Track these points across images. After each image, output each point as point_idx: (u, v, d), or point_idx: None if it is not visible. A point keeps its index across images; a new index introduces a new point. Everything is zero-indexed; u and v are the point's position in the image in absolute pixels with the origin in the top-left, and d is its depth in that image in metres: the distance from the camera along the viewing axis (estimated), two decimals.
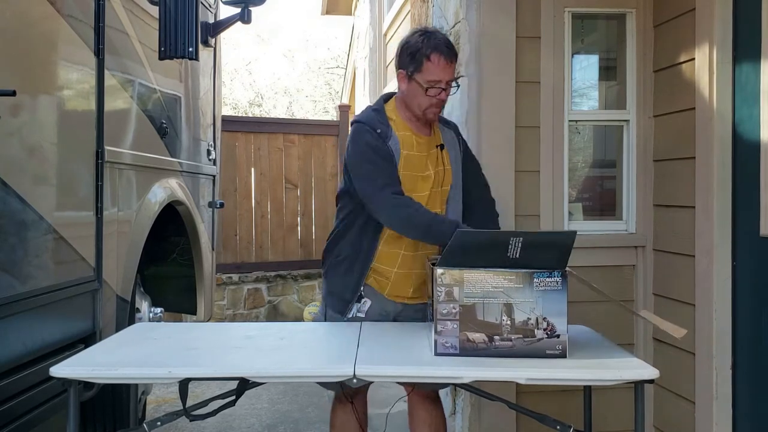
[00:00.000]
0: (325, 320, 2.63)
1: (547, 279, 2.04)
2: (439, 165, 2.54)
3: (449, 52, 2.44)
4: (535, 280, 2.04)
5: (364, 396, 2.67)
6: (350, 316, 2.55)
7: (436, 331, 2.06)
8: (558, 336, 2.04)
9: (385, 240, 2.51)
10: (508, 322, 2.04)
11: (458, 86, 2.53)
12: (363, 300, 2.54)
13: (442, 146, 2.56)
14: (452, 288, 2.05)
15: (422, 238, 2.45)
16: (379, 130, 2.47)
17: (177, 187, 3.63)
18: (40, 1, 2.39)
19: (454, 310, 2.05)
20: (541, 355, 2.03)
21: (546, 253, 2.05)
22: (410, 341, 2.30)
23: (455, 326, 2.05)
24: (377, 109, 2.56)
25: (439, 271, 2.06)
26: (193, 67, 3.95)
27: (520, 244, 2.03)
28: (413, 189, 2.47)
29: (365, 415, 2.69)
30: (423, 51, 2.42)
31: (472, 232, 2.20)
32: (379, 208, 2.42)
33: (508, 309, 2.04)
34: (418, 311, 2.56)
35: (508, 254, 2.04)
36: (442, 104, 2.51)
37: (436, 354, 2.06)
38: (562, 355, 2.04)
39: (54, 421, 2.54)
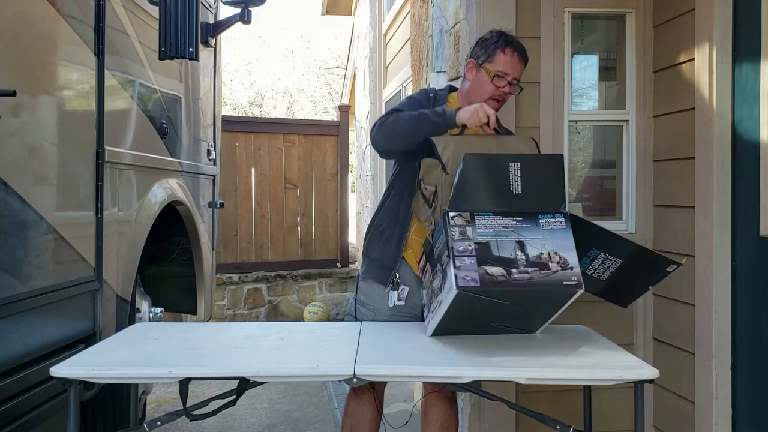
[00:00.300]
0: (360, 303, 2.61)
1: (551, 219, 2.15)
2: None
3: (523, 51, 2.57)
4: (540, 220, 2.14)
5: (383, 384, 2.65)
6: (391, 305, 2.53)
7: (455, 267, 2.08)
8: (572, 268, 2.10)
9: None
10: (523, 257, 2.10)
11: (521, 89, 2.58)
12: (401, 287, 2.53)
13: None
14: (465, 228, 2.12)
15: (407, 134, 2.43)
16: (432, 95, 2.60)
17: (177, 187, 3.63)
18: (40, 1, 2.39)
19: (470, 247, 2.10)
20: (558, 286, 2.08)
21: (543, 184, 2.17)
22: (410, 341, 2.30)
23: (473, 261, 2.09)
24: (441, 92, 2.65)
25: (451, 213, 2.14)
26: (193, 67, 3.95)
27: (519, 172, 2.15)
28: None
29: (382, 403, 2.66)
30: (498, 44, 2.54)
31: (476, 155, 2.22)
32: (374, 123, 2.52)
33: (521, 245, 2.11)
34: None
35: (511, 188, 2.15)
36: (503, 100, 2.56)
37: (458, 287, 2.04)
38: (579, 286, 2.08)
39: (54, 421, 2.54)
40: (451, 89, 2.70)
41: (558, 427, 2.12)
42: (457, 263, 2.08)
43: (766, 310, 2.52)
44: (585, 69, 3.42)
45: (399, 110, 2.54)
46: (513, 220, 2.14)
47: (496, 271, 2.07)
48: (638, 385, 1.97)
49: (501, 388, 2.71)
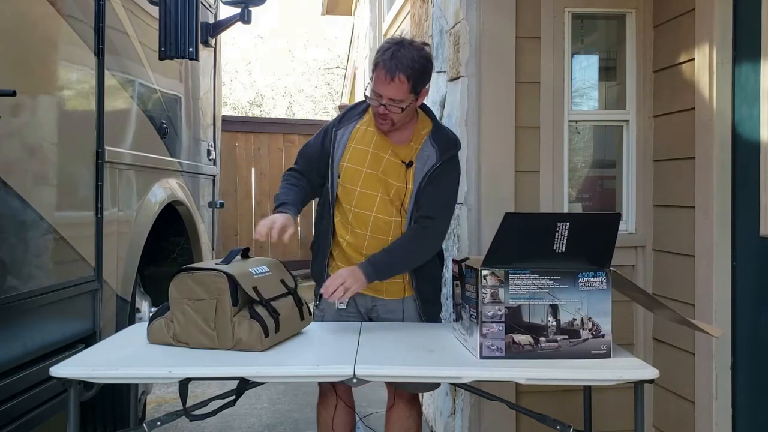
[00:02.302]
0: (315, 306, 2.66)
1: (592, 279, 2.04)
2: (401, 181, 2.48)
3: (394, 69, 2.33)
4: (579, 280, 2.03)
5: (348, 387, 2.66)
6: (335, 308, 2.55)
7: (481, 334, 2.02)
8: (603, 336, 2.04)
9: (338, 222, 2.57)
10: (554, 323, 2.03)
11: (402, 110, 2.39)
12: None
13: (410, 163, 2.47)
14: (497, 289, 2.02)
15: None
16: (342, 117, 2.59)
17: (177, 187, 3.63)
18: (40, 1, 2.39)
19: (499, 312, 2.02)
20: (585, 355, 2.03)
21: (591, 242, 2.03)
22: (410, 341, 2.29)
23: (501, 328, 2.02)
24: (354, 110, 2.63)
25: (484, 271, 2.03)
26: (193, 67, 3.95)
27: (566, 232, 2.01)
28: (353, 182, 2.51)
29: (352, 404, 2.68)
30: (376, 59, 2.40)
31: (521, 214, 2.18)
32: None
33: (554, 310, 2.03)
34: (390, 312, 2.57)
35: (554, 248, 2.02)
36: (387, 120, 2.42)
37: (482, 357, 2.02)
38: (607, 355, 2.03)
39: (54, 421, 2.54)
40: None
41: (558, 427, 2.12)
42: (485, 330, 2.02)
43: (766, 310, 2.52)
44: (585, 69, 3.42)
45: (292, 169, 2.67)
46: (550, 280, 2.02)
47: (524, 339, 2.02)
48: (638, 385, 1.97)
49: (501, 388, 2.71)
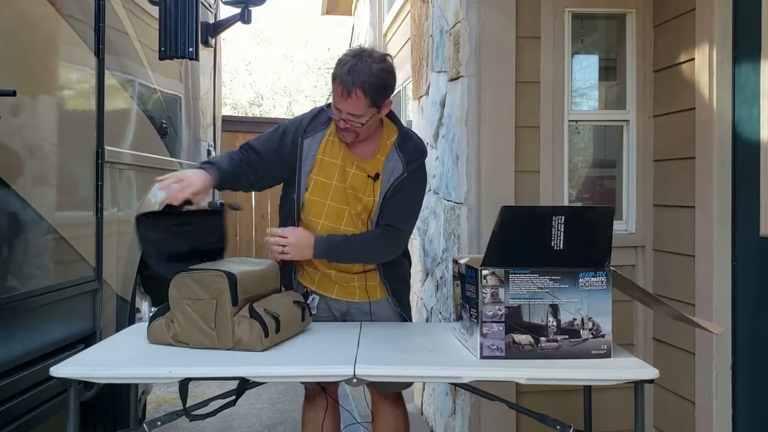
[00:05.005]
0: None
1: (592, 279, 2.03)
2: (369, 195, 2.45)
3: (350, 85, 2.28)
4: (580, 280, 2.03)
5: (335, 385, 2.66)
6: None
7: (481, 334, 2.02)
8: (603, 336, 2.03)
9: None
10: (554, 323, 2.03)
11: (363, 124, 2.35)
12: (311, 296, 2.56)
13: (377, 176, 2.44)
14: (497, 289, 2.02)
15: None
16: (307, 125, 2.48)
17: None
18: (40, 1, 2.39)
19: (499, 312, 2.02)
20: (585, 355, 2.03)
21: (588, 237, 2.04)
22: (410, 341, 2.30)
23: (501, 328, 2.02)
24: (318, 119, 2.53)
25: (484, 271, 2.03)
26: (193, 67, 3.96)
27: (562, 226, 2.00)
28: (324, 195, 2.46)
29: (337, 404, 2.68)
30: (333, 73, 2.34)
31: (517, 207, 2.17)
32: None
33: (554, 310, 2.03)
34: (364, 314, 2.58)
35: (552, 245, 2.02)
36: (350, 132, 2.38)
37: (482, 357, 2.02)
38: (607, 355, 2.03)
39: (54, 421, 2.54)
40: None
41: (558, 427, 2.12)
42: (485, 330, 2.02)
43: (766, 310, 2.52)
44: (585, 69, 3.42)
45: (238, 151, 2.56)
46: (550, 280, 2.01)
47: (524, 339, 2.02)
48: (638, 385, 1.97)
49: (501, 388, 2.71)
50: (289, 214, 2.53)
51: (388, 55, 2.41)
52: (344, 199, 2.47)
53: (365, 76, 2.29)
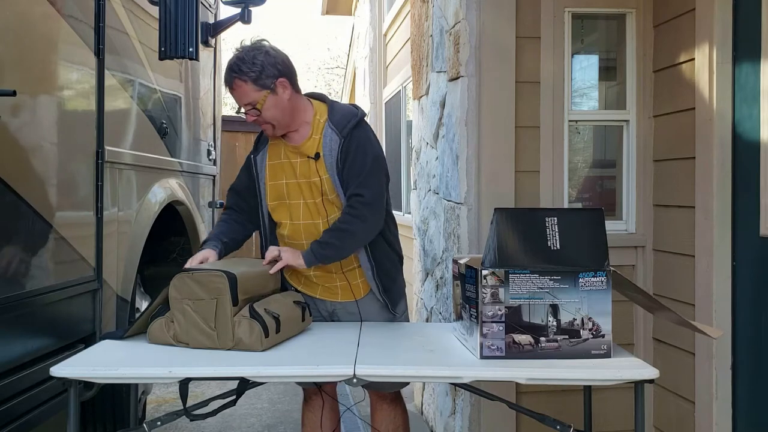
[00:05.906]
0: None
1: (592, 279, 2.04)
2: (314, 176, 2.47)
3: (229, 78, 2.43)
4: (580, 280, 2.03)
5: (333, 385, 2.68)
6: None
7: (481, 334, 2.03)
8: (603, 336, 2.04)
9: (280, 241, 2.58)
10: (554, 323, 2.03)
11: (261, 111, 2.43)
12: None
13: (317, 156, 2.46)
14: (497, 289, 2.03)
15: None
16: (257, 143, 2.62)
17: (177, 187, 3.63)
18: (40, 1, 2.39)
19: (499, 312, 2.03)
20: (585, 355, 2.03)
21: (583, 238, 2.05)
22: (410, 341, 2.30)
23: (501, 328, 2.03)
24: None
25: (484, 271, 2.03)
26: (193, 67, 3.96)
27: (556, 227, 2.03)
28: (281, 196, 2.52)
29: (336, 403, 2.69)
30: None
31: (510, 209, 2.20)
32: None
33: (554, 310, 2.04)
34: (350, 314, 2.59)
35: (549, 244, 2.04)
36: (265, 124, 2.47)
37: (482, 357, 2.03)
38: (607, 355, 2.04)
39: (54, 421, 2.54)
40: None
41: (558, 427, 2.12)
42: (485, 330, 2.03)
43: (766, 310, 2.53)
44: (585, 69, 3.42)
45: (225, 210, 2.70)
46: (550, 280, 2.02)
47: (524, 339, 2.03)
48: (638, 385, 1.97)
49: (501, 388, 2.71)
50: (261, 229, 2.60)
51: (262, 39, 2.52)
52: (299, 192, 2.50)
53: (237, 65, 2.41)
